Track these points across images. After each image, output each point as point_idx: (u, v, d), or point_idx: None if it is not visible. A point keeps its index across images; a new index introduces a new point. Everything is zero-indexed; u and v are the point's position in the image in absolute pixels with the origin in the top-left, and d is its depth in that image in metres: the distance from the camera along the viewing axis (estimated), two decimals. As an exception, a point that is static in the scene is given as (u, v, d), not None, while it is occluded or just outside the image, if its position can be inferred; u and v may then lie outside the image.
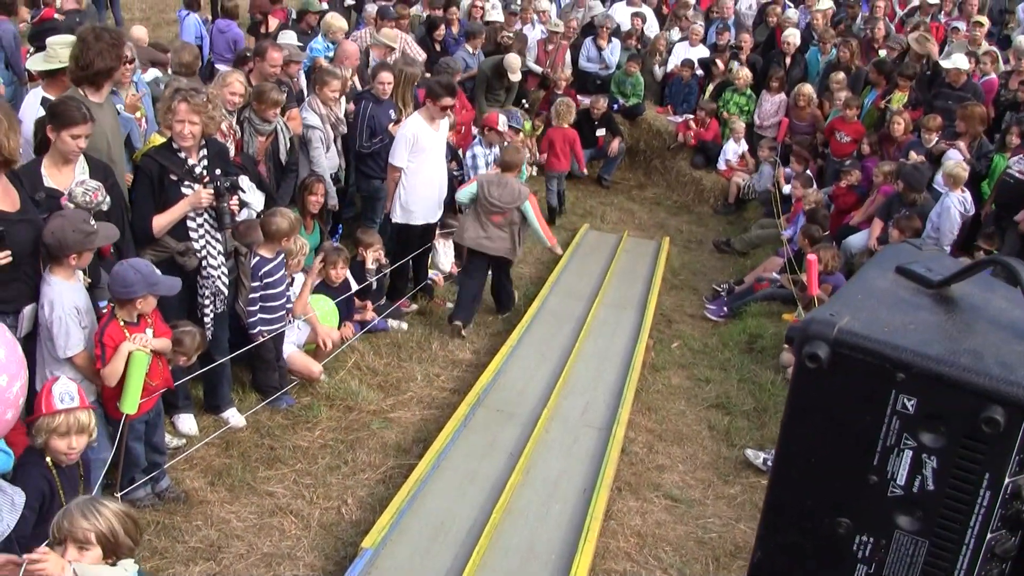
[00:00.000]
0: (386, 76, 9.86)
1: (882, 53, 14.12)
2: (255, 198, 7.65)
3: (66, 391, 4.71)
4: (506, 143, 10.95)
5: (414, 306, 9.92)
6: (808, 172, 12.82)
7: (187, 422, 7.00)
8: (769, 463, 7.45)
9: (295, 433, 7.18)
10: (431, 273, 10.19)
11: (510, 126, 11.46)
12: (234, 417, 7.18)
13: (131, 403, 5.44)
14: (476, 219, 9.45)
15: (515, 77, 13.54)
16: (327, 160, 9.32)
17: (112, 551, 3.83)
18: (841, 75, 13.57)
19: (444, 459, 6.66)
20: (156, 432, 6.10)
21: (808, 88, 13.96)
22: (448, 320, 9.56)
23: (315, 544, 5.91)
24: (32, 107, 6.57)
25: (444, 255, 10.54)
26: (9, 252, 5.18)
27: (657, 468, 7.45)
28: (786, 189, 12.92)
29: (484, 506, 6.20)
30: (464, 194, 9.59)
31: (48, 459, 4.66)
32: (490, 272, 9.80)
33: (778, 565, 1.71)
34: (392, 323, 9.32)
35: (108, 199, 5.81)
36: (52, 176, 5.82)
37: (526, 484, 6.56)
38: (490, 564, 5.61)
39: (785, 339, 8.85)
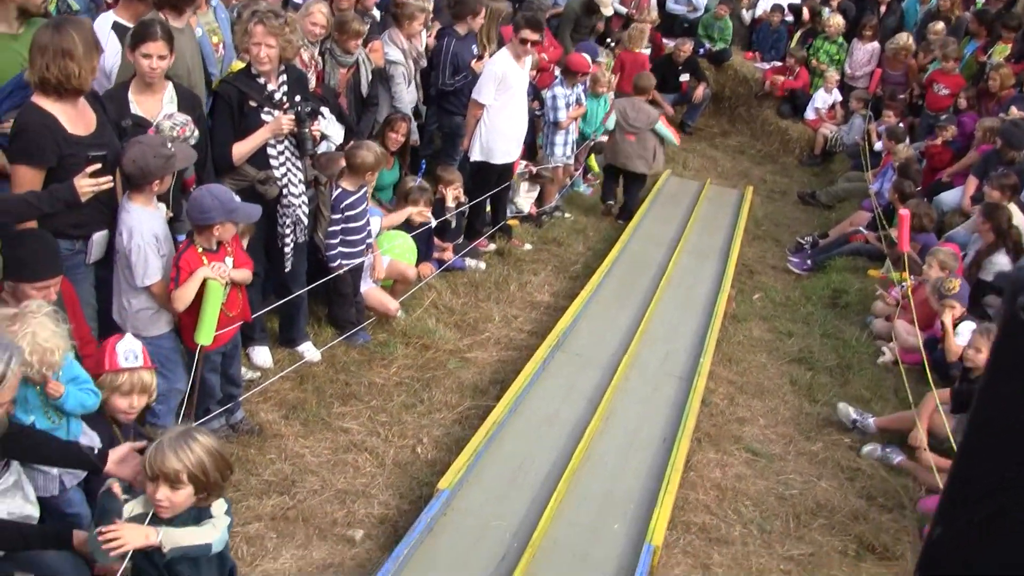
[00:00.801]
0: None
1: (981, 2, 13.60)
2: (335, 130, 7.51)
3: (131, 350, 4.61)
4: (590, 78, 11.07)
5: (492, 246, 9.77)
6: (900, 125, 12.41)
7: (262, 355, 6.91)
8: (858, 424, 7.26)
9: (370, 370, 7.07)
10: (510, 210, 10.06)
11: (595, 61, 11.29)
12: (309, 351, 7.08)
13: (207, 334, 5.34)
14: (616, 139, 11.10)
15: (607, 11, 13.24)
16: (407, 95, 9.15)
17: (203, 488, 3.75)
18: (940, 25, 13.08)
19: (522, 402, 6.50)
20: (232, 364, 5.99)
21: (906, 37, 13.46)
22: (602, 200, 11.57)
23: (389, 483, 5.80)
24: (103, 31, 6.44)
25: (524, 195, 10.36)
26: (111, 178, 5.09)
27: (737, 421, 7.24)
28: (877, 145, 12.52)
29: (562, 451, 6.04)
30: (610, 121, 11.21)
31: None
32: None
33: (963, 542, 1.48)
34: (470, 262, 9.17)
35: (196, 132, 5.68)
36: (140, 103, 5.68)
37: (605, 431, 6.39)
38: (568, 511, 5.46)
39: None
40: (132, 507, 3.77)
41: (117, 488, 3.69)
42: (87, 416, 4.47)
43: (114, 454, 4.00)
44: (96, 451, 4.08)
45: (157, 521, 3.70)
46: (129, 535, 3.64)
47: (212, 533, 3.84)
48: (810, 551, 5.80)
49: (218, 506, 3.91)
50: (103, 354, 4.60)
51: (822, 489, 6.50)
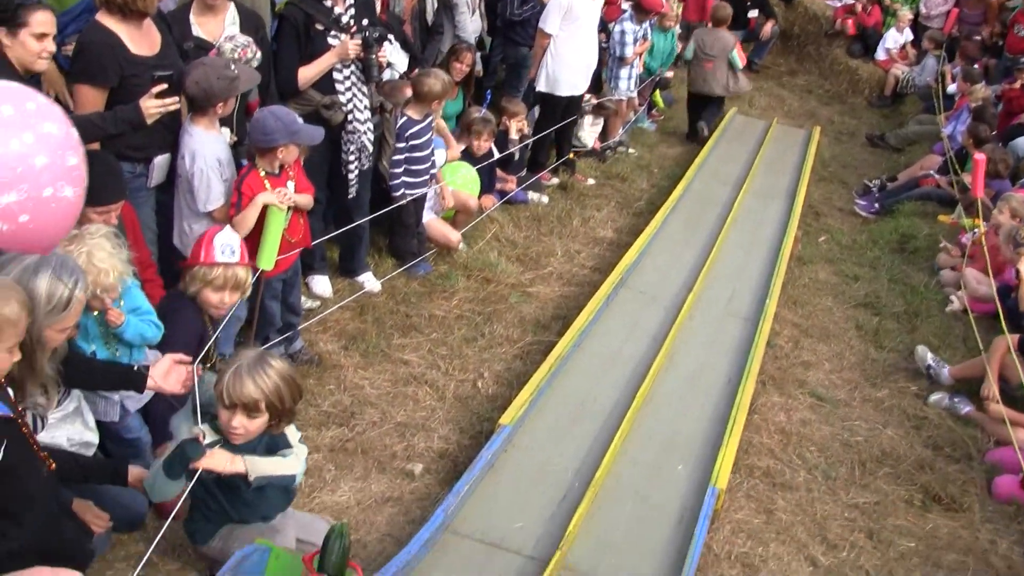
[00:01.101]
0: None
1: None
2: (400, 58, 7.34)
3: (228, 244, 4.49)
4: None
5: (555, 180, 9.59)
6: (976, 67, 11.97)
7: (322, 284, 6.79)
8: (932, 371, 7.03)
9: (431, 302, 6.93)
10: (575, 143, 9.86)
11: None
12: (369, 281, 6.95)
13: (268, 259, 5.20)
14: (695, 67, 11.72)
15: None
16: (471, 24, 8.93)
17: (278, 415, 3.70)
18: (1021, -38, 12.58)
19: (585, 338, 6.34)
20: (292, 292, 5.87)
21: (985, -24, 12.98)
22: (689, 126, 12.05)
23: (450, 416, 5.68)
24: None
25: (588, 129, 10.14)
26: (177, 99, 4.96)
27: (802, 364, 7.04)
28: (951, 87, 12.10)
29: (625, 389, 5.89)
30: (688, 50, 11.78)
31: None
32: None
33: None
34: (532, 196, 8.99)
35: (259, 54, 5.51)
36: (201, 25, 5.51)
37: (669, 370, 6.22)
38: (631, 450, 5.31)
39: None
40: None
41: (201, 436, 3.60)
42: (172, 307, 4.38)
43: (156, 369, 3.91)
44: (137, 367, 3.98)
45: (230, 448, 3.64)
46: (217, 460, 3.59)
47: (295, 464, 3.82)
48: (875, 499, 5.62)
49: (292, 433, 3.88)
50: (199, 246, 4.52)
51: (888, 437, 6.30)
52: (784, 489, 5.54)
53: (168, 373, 3.91)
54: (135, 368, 3.99)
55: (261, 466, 3.70)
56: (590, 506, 4.73)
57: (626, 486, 5.03)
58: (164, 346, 4.26)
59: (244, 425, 3.61)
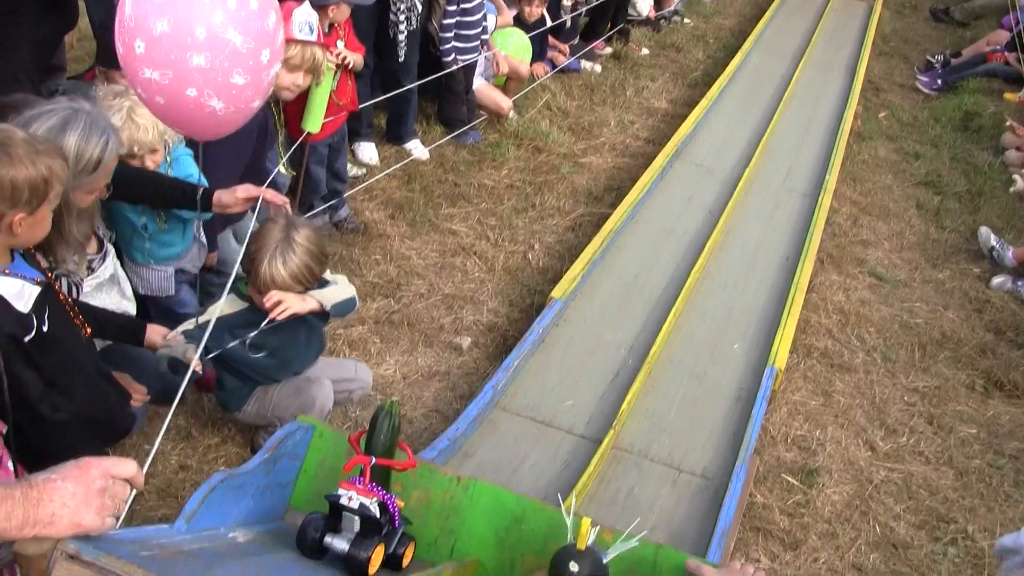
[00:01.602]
0: None
1: None
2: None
3: (307, 21, 4.17)
4: None
5: (608, 49, 9.18)
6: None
7: (368, 151, 6.49)
8: (996, 253, 6.68)
9: (480, 171, 6.62)
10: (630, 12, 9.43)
11: None
12: (417, 149, 6.65)
13: (315, 121, 4.91)
14: None
15: None
16: None
17: (307, 283, 3.55)
18: None
19: (639, 211, 6.02)
20: (339, 158, 5.58)
21: None
22: None
23: (499, 289, 5.42)
24: None
25: (644, -1, 9.71)
26: None
27: (861, 243, 6.72)
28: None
29: (680, 265, 5.59)
30: None
31: None
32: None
33: None
34: (585, 64, 8.61)
35: None
36: None
37: (725, 246, 5.91)
38: (686, 327, 5.04)
39: None
40: (222, 307, 3.52)
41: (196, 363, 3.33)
42: None
43: (223, 195, 3.71)
44: (202, 191, 3.73)
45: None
46: (291, 299, 3.48)
47: (348, 288, 3.73)
48: (935, 384, 5.36)
49: (340, 279, 3.83)
50: None
51: (949, 320, 6.01)
52: (842, 371, 5.28)
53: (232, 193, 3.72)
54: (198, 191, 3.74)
55: (328, 295, 3.61)
56: (643, 384, 4.48)
57: (681, 364, 4.77)
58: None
59: (279, 297, 3.45)
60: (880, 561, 4.10)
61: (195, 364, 3.17)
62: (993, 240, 6.67)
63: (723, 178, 6.78)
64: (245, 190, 3.74)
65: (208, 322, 3.41)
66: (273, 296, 3.44)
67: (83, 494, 1.73)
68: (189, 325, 3.53)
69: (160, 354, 3.45)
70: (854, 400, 5.06)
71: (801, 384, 5.08)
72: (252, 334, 3.53)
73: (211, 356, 3.42)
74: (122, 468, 1.80)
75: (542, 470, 3.95)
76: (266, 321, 3.48)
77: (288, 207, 4.06)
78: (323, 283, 3.69)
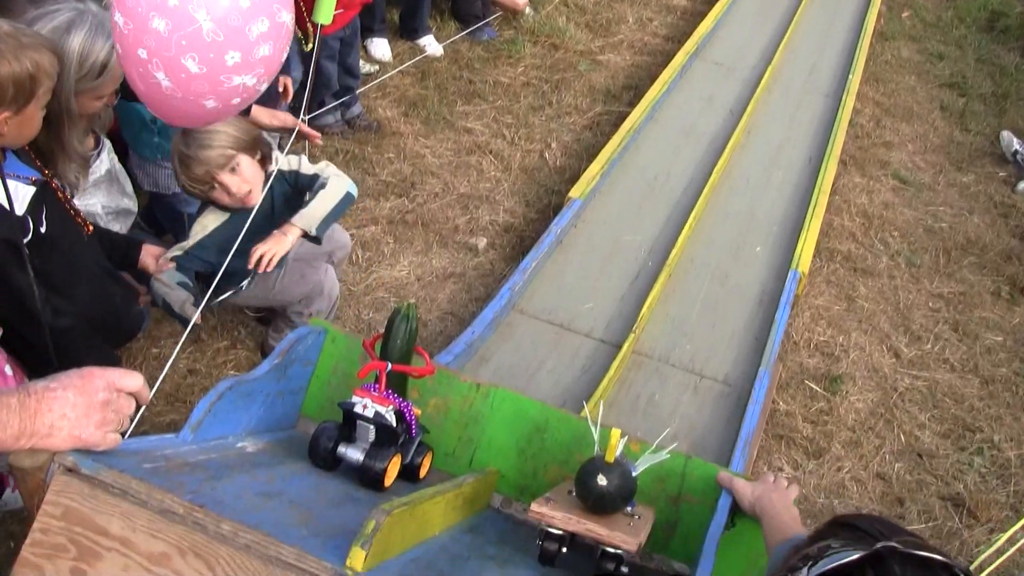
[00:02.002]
0: None
1: None
2: None
3: None
4: None
5: (627, -56, 8.82)
6: None
7: (381, 47, 6.23)
8: (1019, 156, 6.45)
9: (496, 68, 6.36)
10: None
11: None
12: (431, 45, 6.39)
13: (326, 11, 4.63)
14: None
15: None
16: None
17: (251, 147, 3.26)
18: None
19: (658, 110, 5.77)
20: (351, 53, 5.33)
21: None
22: None
23: (515, 189, 5.22)
24: None
25: None
26: None
27: (884, 145, 6.49)
28: None
29: (701, 165, 5.37)
30: None
31: None
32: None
33: None
34: (603, -40, 8.27)
35: None
36: None
37: (747, 146, 5.68)
38: (707, 229, 4.84)
39: None
40: (207, 225, 3.30)
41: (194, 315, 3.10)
42: None
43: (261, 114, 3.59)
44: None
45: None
46: (272, 246, 3.19)
47: (340, 182, 3.39)
48: (960, 290, 5.19)
49: (302, 163, 3.45)
50: None
51: (974, 224, 5.82)
52: (866, 275, 5.10)
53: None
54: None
55: (312, 214, 3.29)
56: (664, 286, 4.30)
57: (702, 267, 4.58)
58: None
59: (239, 181, 3.21)
60: (905, 470, 3.97)
61: (196, 318, 2.97)
62: (1016, 144, 6.43)
63: (744, 77, 6.51)
64: (283, 120, 3.67)
65: (197, 243, 3.23)
66: (255, 253, 3.17)
67: (85, 405, 1.57)
68: (178, 251, 3.28)
69: (155, 289, 3.21)
70: (878, 306, 4.90)
71: (824, 289, 4.91)
72: (244, 285, 3.33)
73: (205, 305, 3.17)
74: (128, 381, 1.64)
75: (560, 375, 3.79)
76: (250, 277, 3.29)
77: (319, 139, 3.88)
78: (302, 180, 3.45)
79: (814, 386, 4.25)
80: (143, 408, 1.71)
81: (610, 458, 2.08)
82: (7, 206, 2.59)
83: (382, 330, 2.34)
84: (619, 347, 3.87)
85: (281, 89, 4.26)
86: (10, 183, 2.61)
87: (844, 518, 1.52)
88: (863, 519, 1.48)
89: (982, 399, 4.44)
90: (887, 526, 1.44)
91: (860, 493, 3.83)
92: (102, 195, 3.41)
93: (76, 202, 3.10)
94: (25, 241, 2.62)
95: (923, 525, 3.76)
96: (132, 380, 1.64)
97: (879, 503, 3.82)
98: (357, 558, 1.55)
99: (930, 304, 5.00)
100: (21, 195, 2.64)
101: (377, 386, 2.19)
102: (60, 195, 2.89)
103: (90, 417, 1.57)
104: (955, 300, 5.08)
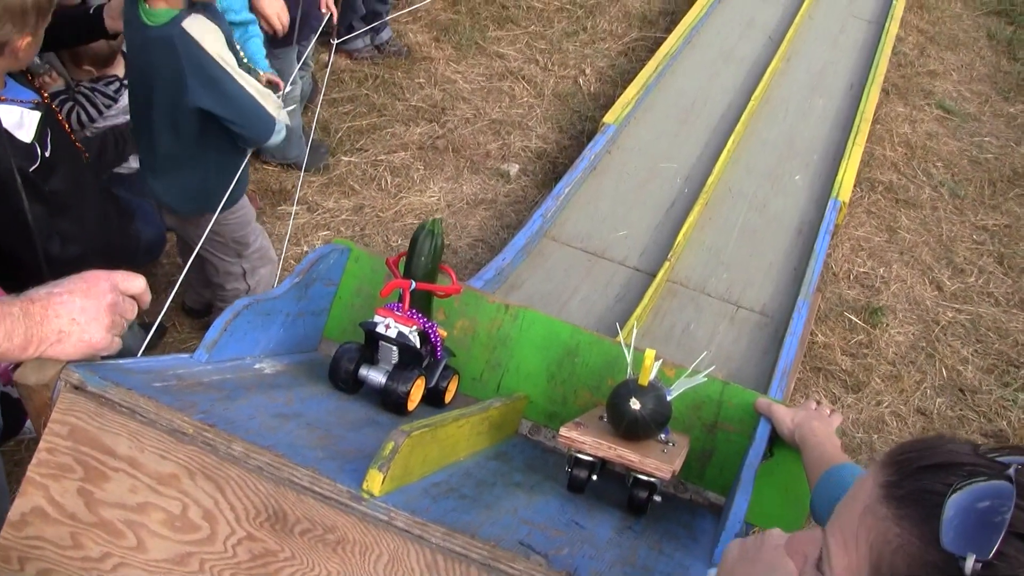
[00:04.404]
0: None
1: None
2: None
3: None
4: None
5: None
6: None
7: (412, -30, 6.07)
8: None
9: (529, -8, 6.20)
10: None
11: None
12: (463, -31, 6.21)
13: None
14: None
15: None
16: None
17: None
18: None
19: (696, 34, 5.57)
20: (379, -25, 5.20)
21: None
22: None
23: (548, 115, 5.07)
24: None
25: None
26: None
27: (928, 74, 6.28)
28: None
29: (740, 91, 5.19)
30: None
31: None
32: None
33: None
34: None
35: None
36: None
37: (786, 72, 5.49)
38: (745, 156, 4.68)
39: None
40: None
41: None
42: None
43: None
44: None
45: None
46: None
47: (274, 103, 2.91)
48: (1005, 222, 5.02)
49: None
50: None
51: (1020, 156, 5.62)
52: (908, 206, 4.94)
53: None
54: None
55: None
56: (701, 214, 4.16)
57: (739, 195, 4.43)
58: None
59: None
60: (946, 406, 3.85)
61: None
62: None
63: (784, 1, 6.29)
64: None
65: None
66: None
67: (94, 309, 1.47)
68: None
69: None
70: (920, 237, 4.74)
71: (864, 219, 4.76)
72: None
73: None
74: (131, 283, 1.54)
75: (593, 303, 3.68)
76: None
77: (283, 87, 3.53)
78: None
79: (854, 318, 4.12)
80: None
81: (644, 381, 1.97)
82: (15, 135, 2.49)
83: (407, 249, 2.23)
84: (654, 275, 3.75)
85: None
86: (16, 108, 2.50)
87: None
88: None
89: (1027, 333, 4.30)
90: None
91: (900, 428, 3.71)
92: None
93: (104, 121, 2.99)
94: (32, 169, 2.52)
95: (964, 460, 3.63)
96: (135, 282, 1.54)
97: (919, 437, 3.70)
98: (374, 481, 1.45)
99: (974, 236, 4.84)
100: (27, 122, 2.53)
101: (400, 305, 2.09)
102: (60, 117, 2.80)
103: (100, 321, 1.47)
104: (1000, 233, 4.92)
